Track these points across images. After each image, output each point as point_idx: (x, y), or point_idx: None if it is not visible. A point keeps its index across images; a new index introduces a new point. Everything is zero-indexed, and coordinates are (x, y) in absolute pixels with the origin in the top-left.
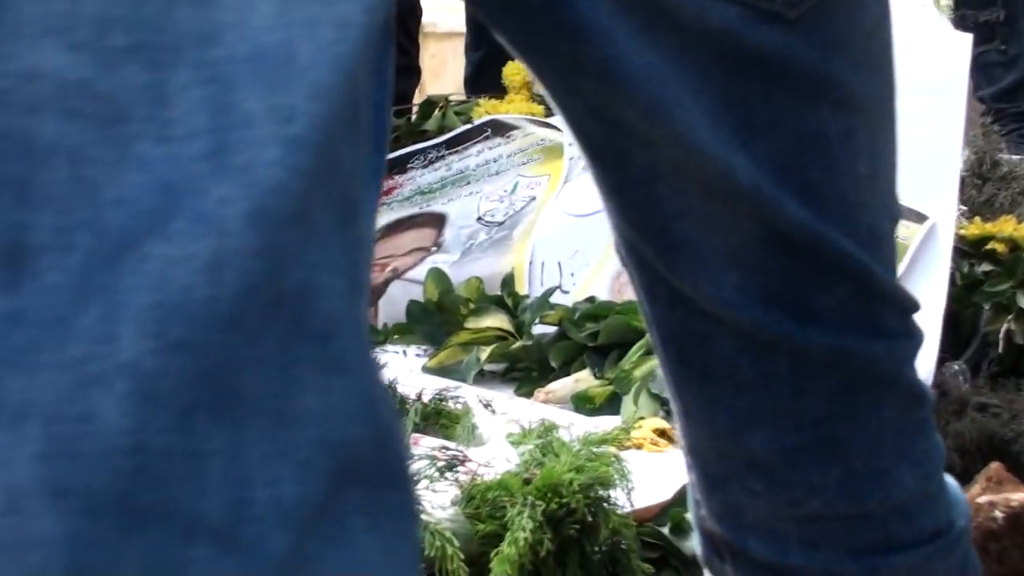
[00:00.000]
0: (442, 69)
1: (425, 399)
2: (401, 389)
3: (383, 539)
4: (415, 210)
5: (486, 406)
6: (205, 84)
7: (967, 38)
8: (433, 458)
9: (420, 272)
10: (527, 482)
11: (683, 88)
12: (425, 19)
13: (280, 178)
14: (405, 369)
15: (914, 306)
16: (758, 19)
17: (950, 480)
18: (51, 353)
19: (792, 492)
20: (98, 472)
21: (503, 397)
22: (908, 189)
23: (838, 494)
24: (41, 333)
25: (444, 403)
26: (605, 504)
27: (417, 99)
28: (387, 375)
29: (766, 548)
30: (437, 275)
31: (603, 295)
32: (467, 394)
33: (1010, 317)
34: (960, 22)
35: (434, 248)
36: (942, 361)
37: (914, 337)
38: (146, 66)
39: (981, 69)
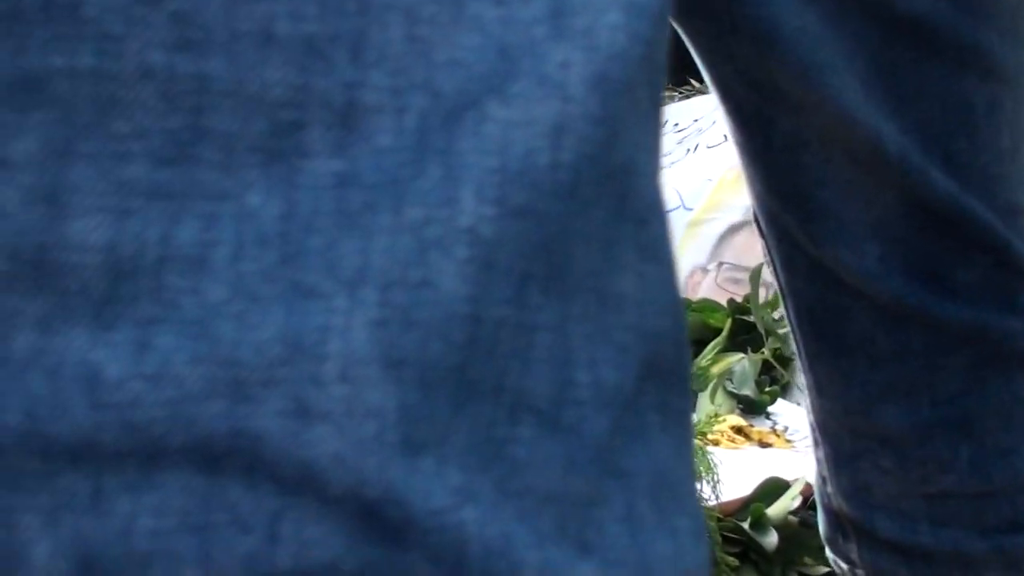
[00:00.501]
0: None
1: None
2: None
3: (672, 441)
4: None
5: None
6: None
7: None
8: None
9: None
10: None
11: (837, 52)
12: None
13: (622, 44)
14: None
15: None
16: None
17: None
18: (388, 216)
19: (923, 469)
20: (434, 341)
21: None
22: None
23: (968, 471)
24: (377, 195)
25: None
26: None
27: None
28: None
29: (894, 526)
30: None
31: None
32: None
33: None
34: None
35: None
36: None
37: None
38: None
39: None
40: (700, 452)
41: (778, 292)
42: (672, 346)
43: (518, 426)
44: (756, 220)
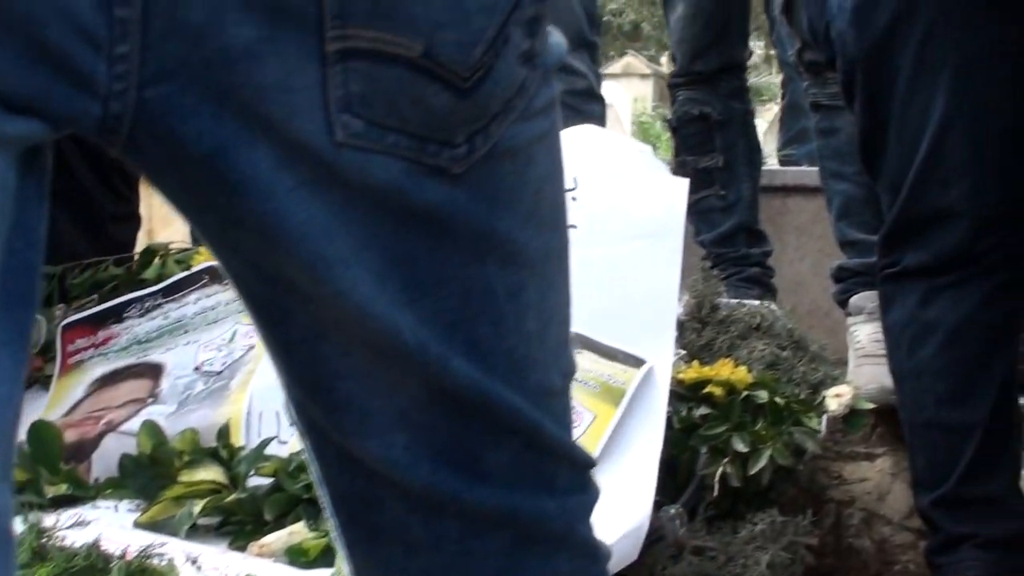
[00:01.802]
0: (172, 217)
1: (131, 556)
2: (109, 546)
3: None
4: (131, 360)
5: (192, 562)
6: None
7: (684, 183)
8: None
9: (136, 424)
10: None
11: (347, 244)
12: None
13: None
14: (117, 524)
15: (588, 462)
16: (424, 174)
17: None
18: None
19: None
20: None
21: (216, 552)
22: (626, 333)
23: None
24: None
25: (149, 560)
26: None
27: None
28: (93, 532)
29: None
30: (151, 428)
31: None
32: (174, 550)
33: (725, 460)
34: (680, 168)
35: (150, 399)
36: (659, 505)
37: (588, 493)
38: None
39: (701, 214)
40: None
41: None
42: None
43: None
44: (287, 408)
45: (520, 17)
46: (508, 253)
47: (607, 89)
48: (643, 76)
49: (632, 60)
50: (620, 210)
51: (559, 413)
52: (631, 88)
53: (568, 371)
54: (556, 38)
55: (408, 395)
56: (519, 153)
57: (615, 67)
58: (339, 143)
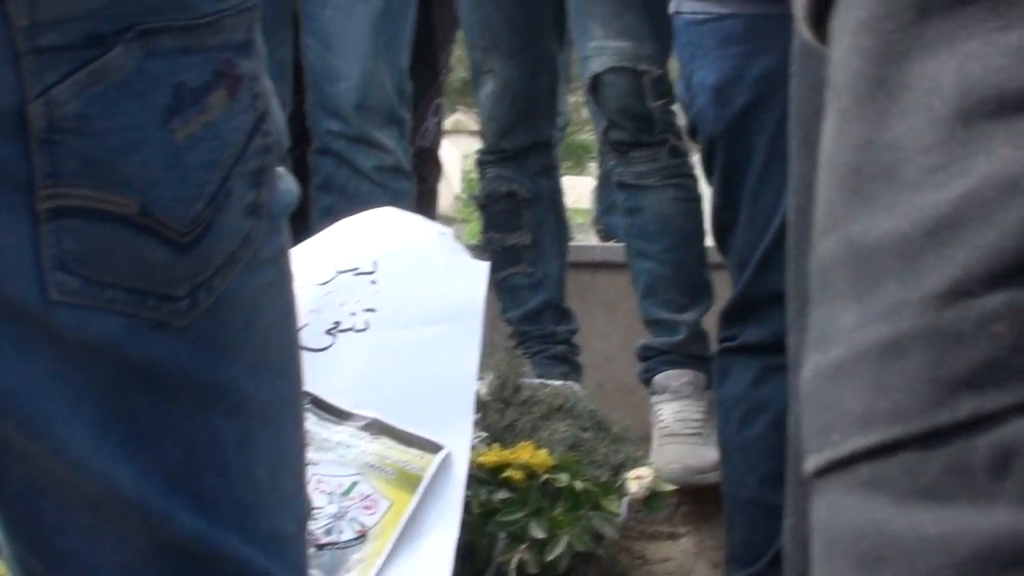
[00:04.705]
0: None
1: None
2: None
3: None
4: None
5: None
6: None
7: (484, 265)
8: None
9: None
10: None
11: (63, 401)
12: None
13: None
14: None
15: None
16: (144, 328)
17: None
18: None
19: None
20: None
21: None
22: (424, 418)
23: None
24: None
25: None
26: None
27: None
28: None
29: None
30: None
31: None
32: None
33: (523, 547)
34: (488, 244)
35: None
36: None
37: None
38: None
39: (508, 292)
40: None
41: None
42: None
43: None
44: (7, 564)
45: (244, 169)
46: (235, 403)
47: None
48: (472, 133)
49: (461, 117)
50: (419, 294)
51: (293, 557)
52: (460, 145)
53: (302, 515)
54: (287, 184)
55: (133, 548)
56: (245, 303)
57: (445, 124)
58: (53, 301)
